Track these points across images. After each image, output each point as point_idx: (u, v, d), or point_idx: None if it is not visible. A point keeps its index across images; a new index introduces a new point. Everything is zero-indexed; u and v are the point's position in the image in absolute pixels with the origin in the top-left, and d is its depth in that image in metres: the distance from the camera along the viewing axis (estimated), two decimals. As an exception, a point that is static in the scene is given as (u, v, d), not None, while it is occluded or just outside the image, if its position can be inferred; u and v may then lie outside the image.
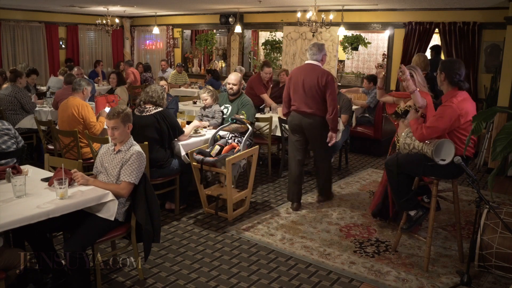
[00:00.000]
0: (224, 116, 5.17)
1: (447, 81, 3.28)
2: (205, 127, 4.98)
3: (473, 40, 7.32)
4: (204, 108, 5.25)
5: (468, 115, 3.18)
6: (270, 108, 6.46)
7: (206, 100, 5.16)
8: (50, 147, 5.35)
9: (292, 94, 4.49)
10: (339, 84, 8.04)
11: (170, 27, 11.83)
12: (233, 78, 5.15)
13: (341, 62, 10.49)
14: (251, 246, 3.78)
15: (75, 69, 7.98)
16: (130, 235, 3.11)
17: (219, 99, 5.31)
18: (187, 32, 12.01)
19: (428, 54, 7.62)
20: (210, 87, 5.26)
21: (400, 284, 3.20)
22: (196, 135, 4.68)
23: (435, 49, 7.58)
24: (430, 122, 3.22)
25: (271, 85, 7.10)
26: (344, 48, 9.17)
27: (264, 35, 11.78)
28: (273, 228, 4.14)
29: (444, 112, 3.19)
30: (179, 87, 9.65)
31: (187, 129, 4.57)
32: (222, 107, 5.24)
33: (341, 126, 5.80)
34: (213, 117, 5.14)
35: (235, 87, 5.13)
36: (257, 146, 4.60)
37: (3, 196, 2.68)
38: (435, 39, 8.66)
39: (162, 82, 5.75)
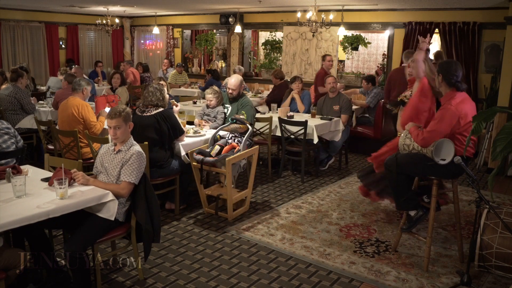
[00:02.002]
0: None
1: (445, 83, 3.32)
2: (204, 125, 4.99)
3: (473, 40, 7.31)
4: (207, 107, 5.25)
5: (467, 117, 3.20)
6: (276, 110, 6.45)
7: (211, 101, 5.14)
8: (50, 147, 5.35)
9: (391, 88, 5.88)
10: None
11: (170, 27, 11.82)
12: (232, 82, 5.10)
13: (341, 62, 10.49)
14: (251, 246, 3.78)
15: (72, 68, 7.96)
16: (130, 235, 3.11)
17: None
18: (187, 32, 12.00)
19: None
20: (217, 88, 5.22)
21: (400, 284, 3.20)
22: (196, 135, 4.68)
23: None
24: (430, 126, 3.25)
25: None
26: (344, 48, 9.17)
27: (264, 35, 11.76)
28: (273, 228, 4.14)
29: (443, 115, 3.22)
30: (179, 87, 9.65)
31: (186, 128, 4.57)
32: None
33: (341, 126, 5.84)
34: (214, 117, 5.14)
35: (234, 92, 5.10)
36: (257, 146, 4.60)
37: (3, 196, 2.68)
38: (435, 39, 8.65)
39: (161, 82, 5.73)
